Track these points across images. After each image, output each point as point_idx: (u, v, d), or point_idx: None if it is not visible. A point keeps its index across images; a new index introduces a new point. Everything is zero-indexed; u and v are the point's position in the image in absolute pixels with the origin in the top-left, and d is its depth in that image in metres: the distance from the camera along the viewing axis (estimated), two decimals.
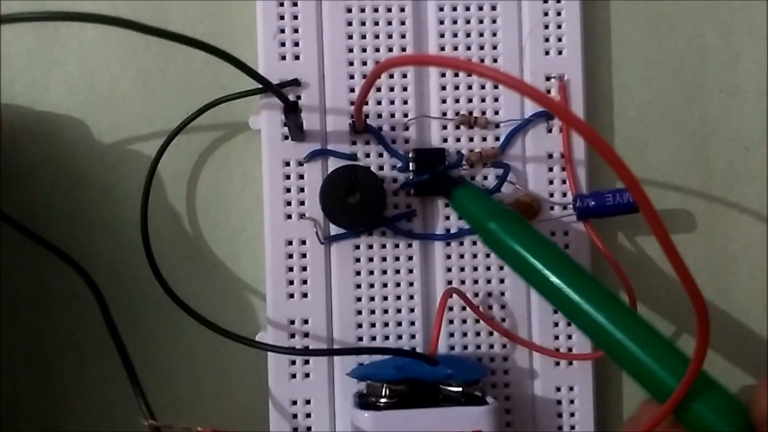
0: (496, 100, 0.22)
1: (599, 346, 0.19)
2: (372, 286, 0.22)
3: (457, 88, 0.22)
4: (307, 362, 0.22)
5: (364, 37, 0.22)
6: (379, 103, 0.22)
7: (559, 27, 0.23)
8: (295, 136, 0.21)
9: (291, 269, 0.22)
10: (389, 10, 0.22)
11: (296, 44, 0.22)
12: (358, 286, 0.22)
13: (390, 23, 0.22)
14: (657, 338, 0.18)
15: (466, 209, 0.21)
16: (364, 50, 0.22)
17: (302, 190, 0.22)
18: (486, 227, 0.20)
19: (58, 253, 0.21)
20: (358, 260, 0.22)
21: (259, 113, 0.22)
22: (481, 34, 0.22)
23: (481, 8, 0.22)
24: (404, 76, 0.22)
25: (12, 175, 0.22)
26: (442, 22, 0.22)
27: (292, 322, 0.22)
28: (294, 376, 0.22)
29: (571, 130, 0.22)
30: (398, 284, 0.22)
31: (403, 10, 0.22)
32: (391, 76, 0.22)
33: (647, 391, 0.18)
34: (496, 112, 0.22)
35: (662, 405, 0.17)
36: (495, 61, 0.22)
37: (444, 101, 0.22)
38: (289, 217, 0.22)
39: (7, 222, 0.20)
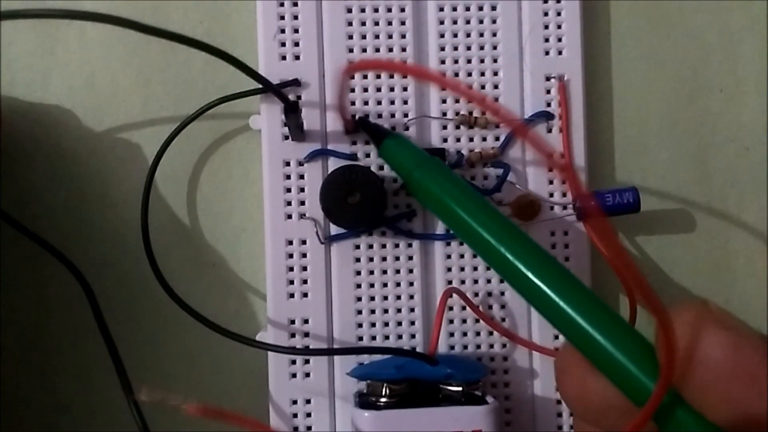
0: (496, 100, 0.22)
1: (540, 313, 0.17)
2: (372, 286, 0.22)
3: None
4: (307, 362, 0.22)
5: (364, 37, 0.22)
6: (379, 103, 0.22)
7: (559, 27, 0.23)
8: (295, 136, 0.22)
9: (291, 269, 0.22)
10: (389, 10, 0.22)
11: (296, 44, 0.22)
12: (358, 286, 0.22)
13: (390, 23, 0.22)
14: (607, 313, 0.16)
15: (394, 159, 0.21)
16: (364, 50, 0.22)
17: (302, 190, 0.22)
18: (412, 176, 0.20)
19: (50, 250, 0.21)
20: (358, 260, 0.22)
21: (259, 113, 0.22)
22: (481, 34, 0.22)
23: (481, 8, 0.22)
24: (404, 76, 0.22)
25: (11, 174, 0.22)
26: (442, 22, 0.22)
27: (293, 322, 0.22)
28: (294, 375, 0.22)
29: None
30: (398, 284, 0.22)
31: (403, 10, 0.22)
32: (391, 76, 0.22)
33: (613, 382, 0.15)
34: None
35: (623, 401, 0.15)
36: (495, 61, 0.22)
37: (444, 101, 0.22)
38: (290, 217, 0.22)
39: (5, 220, 0.20)
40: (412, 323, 0.22)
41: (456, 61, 0.22)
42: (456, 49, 0.22)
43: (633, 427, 0.14)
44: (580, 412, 0.16)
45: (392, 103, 0.22)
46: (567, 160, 0.22)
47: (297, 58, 0.22)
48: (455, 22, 0.22)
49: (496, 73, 0.22)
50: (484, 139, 0.22)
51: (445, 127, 0.22)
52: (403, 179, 0.21)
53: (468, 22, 0.22)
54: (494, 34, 0.22)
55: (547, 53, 0.23)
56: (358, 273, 0.22)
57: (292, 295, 0.22)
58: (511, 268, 0.17)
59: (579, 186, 0.13)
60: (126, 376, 0.19)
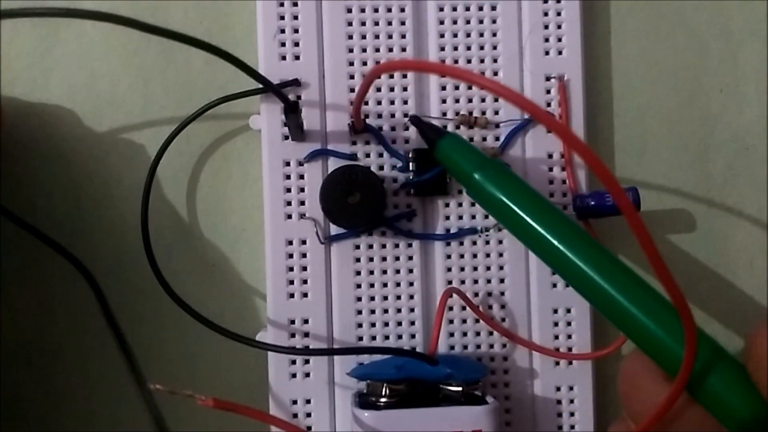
0: (497, 100, 0.22)
1: (595, 305, 0.18)
2: (372, 286, 0.22)
3: (457, 88, 0.22)
4: (307, 362, 0.22)
5: (364, 37, 0.22)
6: (379, 103, 0.22)
7: (559, 27, 0.23)
8: (295, 136, 0.22)
9: (291, 269, 0.22)
10: (389, 10, 0.22)
11: (296, 44, 0.22)
12: (358, 286, 0.22)
13: (390, 23, 0.22)
14: (656, 298, 0.16)
15: (451, 160, 0.20)
16: (364, 50, 0.22)
17: (302, 190, 0.22)
18: (471, 178, 0.19)
19: (57, 249, 0.21)
20: (358, 260, 0.22)
21: (259, 113, 0.22)
22: (481, 34, 0.22)
23: (481, 8, 0.22)
24: (404, 76, 0.22)
25: (12, 174, 0.22)
26: (442, 22, 0.22)
27: (293, 322, 0.22)
28: (294, 375, 0.22)
29: (572, 150, 0.21)
30: (398, 284, 0.22)
31: (403, 10, 0.22)
32: (391, 76, 0.22)
33: (657, 361, 0.16)
34: (496, 112, 0.22)
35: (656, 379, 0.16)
36: (495, 61, 0.22)
37: (444, 101, 0.22)
38: (289, 217, 0.22)
39: (8, 217, 0.20)
40: (412, 323, 0.22)
41: (456, 61, 0.22)
42: (456, 49, 0.22)
43: (667, 402, 0.14)
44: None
45: (392, 103, 0.22)
46: (568, 159, 0.22)
47: (297, 58, 0.22)
48: (455, 22, 0.22)
49: (496, 73, 0.22)
50: (484, 139, 0.22)
51: (445, 127, 0.22)
52: (460, 181, 0.20)
53: (468, 22, 0.22)
54: (494, 34, 0.22)
55: (547, 53, 0.23)
56: (358, 273, 0.22)
57: (292, 295, 0.22)
58: (581, 275, 0.17)
59: (611, 178, 0.13)
60: (138, 369, 0.19)
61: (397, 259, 0.22)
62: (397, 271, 0.22)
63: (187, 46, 0.21)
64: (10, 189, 0.22)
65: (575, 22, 0.23)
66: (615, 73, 0.24)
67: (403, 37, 0.22)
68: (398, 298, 0.22)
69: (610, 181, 0.13)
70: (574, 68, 0.23)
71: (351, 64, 0.22)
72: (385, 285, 0.22)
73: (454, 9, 0.22)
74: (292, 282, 0.22)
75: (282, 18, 0.22)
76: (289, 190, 0.22)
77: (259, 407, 0.22)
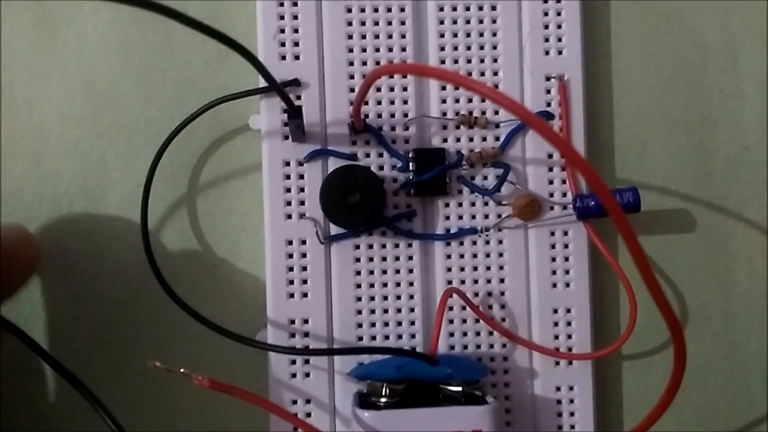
0: None
1: None
2: (372, 286, 0.22)
3: (457, 88, 0.22)
4: (307, 362, 0.22)
5: (364, 37, 0.22)
6: (379, 103, 0.22)
7: (559, 27, 0.23)
8: (295, 137, 0.22)
9: (291, 269, 0.22)
10: (389, 10, 0.22)
11: (296, 44, 0.22)
12: (358, 286, 0.22)
13: (390, 23, 0.22)
14: None
15: None
16: (364, 50, 0.22)
17: (302, 190, 0.22)
18: None
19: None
20: (358, 260, 0.22)
21: (259, 113, 0.22)
22: (481, 34, 0.22)
23: (481, 8, 0.22)
24: (404, 76, 0.22)
25: (10, 176, 0.22)
26: (442, 22, 0.22)
27: (293, 322, 0.22)
28: (294, 375, 0.22)
29: (574, 169, 0.22)
30: (398, 284, 0.22)
31: (403, 10, 0.22)
32: (391, 76, 0.22)
33: None
34: (496, 112, 0.22)
35: None
36: (495, 61, 0.22)
37: (444, 101, 0.22)
38: (289, 217, 0.22)
39: None
40: (412, 323, 0.22)
41: (456, 61, 0.22)
42: (456, 49, 0.22)
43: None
44: None
45: (392, 103, 0.22)
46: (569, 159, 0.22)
47: (297, 58, 0.22)
48: (455, 22, 0.22)
49: (496, 73, 0.22)
50: (484, 139, 0.22)
51: (445, 127, 0.22)
52: None
53: (468, 22, 0.22)
54: (494, 34, 0.22)
55: (547, 53, 0.23)
56: (358, 273, 0.22)
57: (292, 295, 0.22)
58: None
59: (599, 181, 0.13)
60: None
61: (397, 259, 0.22)
62: (397, 271, 0.22)
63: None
64: (7, 191, 0.22)
65: (575, 22, 0.23)
66: (615, 73, 0.24)
67: (403, 37, 0.22)
68: (398, 298, 0.22)
69: (592, 176, 0.13)
70: (574, 68, 0.23)
71: (351, 64, 0.22)
72: (385, 285, 0.22)
73: (454, 9, 0.22)
74: (292, 282, 0.22)
75: (282, 18, 0.22)
76: (289, 190, 0.22)
77: (260, 407, 0.22)
